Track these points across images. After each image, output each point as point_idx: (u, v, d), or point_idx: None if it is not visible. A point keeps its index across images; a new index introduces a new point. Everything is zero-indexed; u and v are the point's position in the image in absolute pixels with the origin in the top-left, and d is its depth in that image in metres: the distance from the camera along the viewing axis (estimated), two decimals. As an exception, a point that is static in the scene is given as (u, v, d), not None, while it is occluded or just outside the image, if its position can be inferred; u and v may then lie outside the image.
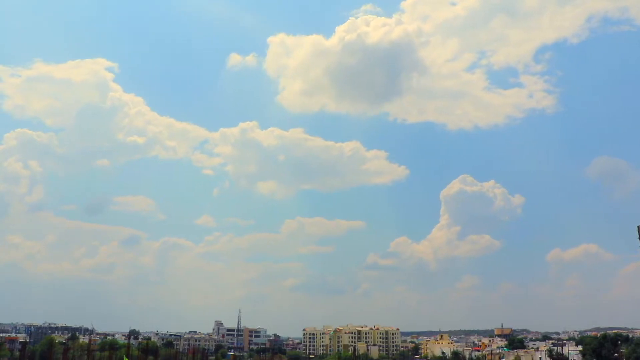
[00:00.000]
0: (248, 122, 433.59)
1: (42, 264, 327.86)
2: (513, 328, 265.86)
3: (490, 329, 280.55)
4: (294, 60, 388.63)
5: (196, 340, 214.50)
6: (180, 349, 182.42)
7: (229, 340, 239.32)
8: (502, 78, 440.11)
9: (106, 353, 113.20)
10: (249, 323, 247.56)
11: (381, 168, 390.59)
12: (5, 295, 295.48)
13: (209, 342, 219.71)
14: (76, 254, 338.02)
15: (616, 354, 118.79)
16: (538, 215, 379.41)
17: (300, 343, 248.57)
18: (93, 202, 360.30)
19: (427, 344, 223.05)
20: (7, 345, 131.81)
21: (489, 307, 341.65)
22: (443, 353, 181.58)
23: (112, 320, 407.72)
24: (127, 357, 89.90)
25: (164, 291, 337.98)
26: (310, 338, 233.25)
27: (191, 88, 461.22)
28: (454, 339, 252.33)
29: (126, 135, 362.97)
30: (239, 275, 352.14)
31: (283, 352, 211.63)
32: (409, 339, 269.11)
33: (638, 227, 49.62)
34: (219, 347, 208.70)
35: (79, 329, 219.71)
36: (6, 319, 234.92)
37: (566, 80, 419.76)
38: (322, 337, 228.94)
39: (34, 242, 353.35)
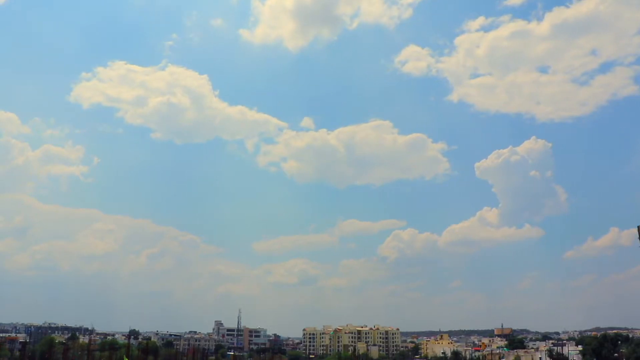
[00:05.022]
0: (307, 117, 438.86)
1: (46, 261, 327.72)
2: (513, 328, 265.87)
3: (490, 329, 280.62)
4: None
5: (196, 340, 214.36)
6: (180, 349, 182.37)
7: (229, 340, 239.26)
8: (590, 68, 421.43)
9: (106, 353, 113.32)
10: (249, 323, 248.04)
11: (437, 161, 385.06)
12: (6, 294, 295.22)
13: (209, 342, 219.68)
14: (79, 248, 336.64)
15: (616, 354, 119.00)
16: (584, 212, 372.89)
17: (300, 343, 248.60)
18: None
19: (427, 344, 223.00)
20: (7, 345, 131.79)
21: (499, 305, 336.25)
22: (443, 353, 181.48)
23: (112, 320, 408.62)
24: (127, 357, 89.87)
25: (166, 290, 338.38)
26: (310, 338, 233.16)
27: (262, 84, 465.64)
28: (454, 339, 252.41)
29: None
30: (250, 275, 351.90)
31: (283, 352, 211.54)
32: (409, 339, 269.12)
33: (638, 227, 49.54)
34: (219, 347, 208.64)
35: (79, 329, 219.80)
36: (6, 319, 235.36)
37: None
38: (322, 337, 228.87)
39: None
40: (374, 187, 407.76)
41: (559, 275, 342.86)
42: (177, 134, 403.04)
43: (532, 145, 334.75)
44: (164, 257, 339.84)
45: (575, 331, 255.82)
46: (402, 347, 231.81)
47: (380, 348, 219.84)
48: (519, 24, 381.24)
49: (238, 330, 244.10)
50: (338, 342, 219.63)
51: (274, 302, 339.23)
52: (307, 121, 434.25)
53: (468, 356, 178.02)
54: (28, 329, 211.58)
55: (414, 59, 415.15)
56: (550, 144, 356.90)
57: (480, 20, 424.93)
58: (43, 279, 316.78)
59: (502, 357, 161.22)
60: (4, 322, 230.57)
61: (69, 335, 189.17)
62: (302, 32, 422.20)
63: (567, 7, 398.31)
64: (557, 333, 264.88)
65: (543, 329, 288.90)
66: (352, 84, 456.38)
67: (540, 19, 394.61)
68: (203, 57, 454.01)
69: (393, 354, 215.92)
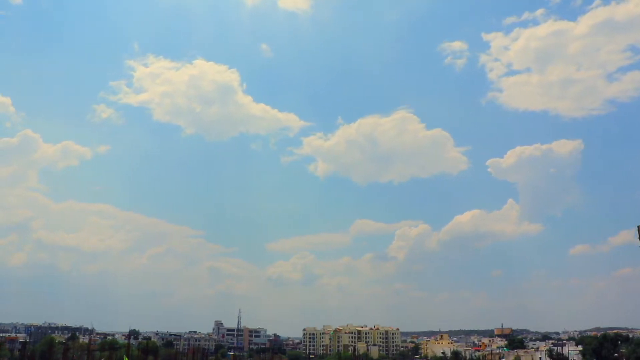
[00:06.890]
0: (334, 116, 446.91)
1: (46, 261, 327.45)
2: (513, 328, 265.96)
3: (490, 328, 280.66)
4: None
5: (196, 340, 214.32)
6: (180, 349, 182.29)
7: (229, 340, 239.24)
8: (625, 64, 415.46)
9: (106, 353, 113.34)
10: (249, 323, 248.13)
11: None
12: (6, 294, 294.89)
13: (209, 342, 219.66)
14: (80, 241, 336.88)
15: (616, 354, 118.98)
16: (601, 210, 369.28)
17: (300, 343, 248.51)
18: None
19: (427, 344, 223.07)
20: (7, 345, 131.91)
21: (500, 305, 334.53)
22: (443, 353, 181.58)
23: (112, 320, 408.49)
24: (127, 357, 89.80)
25: (166, 291, 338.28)
26: (310, 338, 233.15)
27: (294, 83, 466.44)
28: (454, 339, 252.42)
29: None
30: (255, 276, 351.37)
31: (283, 352, 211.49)
32: (409, 339, 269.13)
33: (638, 227, 49.56)
34: (219, 347, 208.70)
35: (79, 329, 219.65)
36: (6, 319, 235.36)
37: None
38: (322, 337, 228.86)
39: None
40: (394, 184, 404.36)
41: (564, 274, 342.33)
42: (206, 131, 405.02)
43: (557, 143, 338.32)
44: (166, 257, 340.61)
45: (575, 331, 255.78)
46: (402, 347, 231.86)
47: (380, 348, 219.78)
48: (557, 22, 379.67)
49: (238, 330, 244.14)
50: (338, 342, 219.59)
51: (275, 301, 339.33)
52: (333, 120, 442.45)
53: (468, 356, 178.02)
54: (28, 329, 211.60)
55: (453, 56, 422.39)
56: (577, 141, 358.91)
57: (513, 18, 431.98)
58: (43, 278, 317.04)
59: (502, 357, 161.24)
60: (4, 322, 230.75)
61: (69, 335, 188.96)
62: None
63: (607, 4, 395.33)
64: (557, 333, 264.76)
65: (543, 329, 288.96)
66: (377, 71, 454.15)
67: (577, 17, 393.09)
68: (226, 47, 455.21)
69: (393, 354, 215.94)
